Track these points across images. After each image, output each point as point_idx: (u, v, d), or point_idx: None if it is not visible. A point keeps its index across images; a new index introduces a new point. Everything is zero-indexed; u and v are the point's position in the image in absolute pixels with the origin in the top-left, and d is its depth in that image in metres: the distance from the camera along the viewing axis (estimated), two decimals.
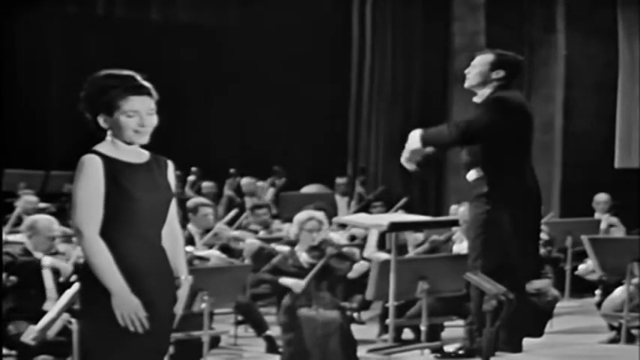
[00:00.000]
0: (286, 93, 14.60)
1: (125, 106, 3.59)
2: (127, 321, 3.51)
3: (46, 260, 6.57)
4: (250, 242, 8.11)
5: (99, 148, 3.63)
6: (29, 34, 13.94)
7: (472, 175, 5.28)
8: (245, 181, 12.53)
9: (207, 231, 8.03)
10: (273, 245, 7.84)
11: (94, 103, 3.62)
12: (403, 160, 5.28)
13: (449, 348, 5.57)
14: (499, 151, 5.13)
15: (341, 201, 12.80)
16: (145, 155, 3.71)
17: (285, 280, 6.97)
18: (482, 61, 5.31)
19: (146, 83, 3.65)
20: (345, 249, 7.51)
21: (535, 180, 5.33)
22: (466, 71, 5.36)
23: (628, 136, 12.78)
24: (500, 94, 5.23)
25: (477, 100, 5.34)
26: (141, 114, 3.61)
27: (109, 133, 3.64)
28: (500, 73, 5.27)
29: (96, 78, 3.65)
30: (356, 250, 7.95)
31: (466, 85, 5.37)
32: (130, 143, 3.64)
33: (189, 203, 8.24)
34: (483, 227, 5.16)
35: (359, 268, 7.20)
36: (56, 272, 6.62)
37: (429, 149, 5.28)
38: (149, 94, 3.64)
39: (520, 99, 5.38)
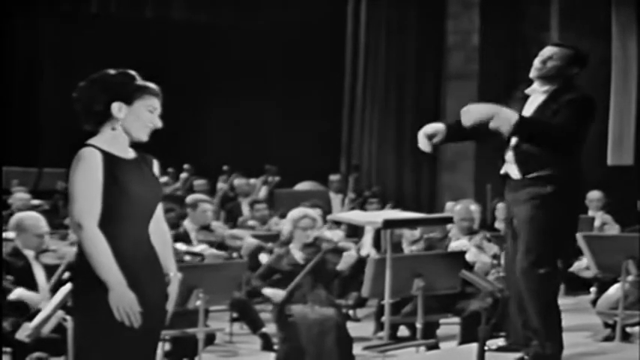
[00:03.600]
0: (280, 91, 14.59)
1: (148, 100, 3.65)
2: (122, 315, 3.49)
3: (14, 294, 6.25)
4: (249, 241, 8.09)
5: (94, 141, 3.62)
6: (23, 33, 13.90)
7: (517, 172, 4.88)
8: (238, 182, 12.50)
9: (204, 227, 8.00)
10: (270, 245, 7.82)
11: (114, 88, 3.61)
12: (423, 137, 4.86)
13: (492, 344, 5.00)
14: (570, 151, 4.93)
15: (335, 198, 12.78)
16: (132, 152, 3.72)
17: (266, 291, 6.95)
18: (560, 54, 5.00)
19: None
20: (339, 245, 7.51)
21: None
22: (536, 61, 4.99)
23: (620, 134, 12.81)
24: (587, 94, 4.97)
25: (535, 93, 5.00)
26: (155, 114, 3.68)
27: (115, 124, 3.62)
28: (575, 70, 5.03)
29: (120, 70, 3.69)
30: (351, 247, 7.95)
31: (533, 74, 5.00)
32: (131, 137, 3.65)
33: (189, 199, 8.21)
34: (552, 226, 4.80)
35: (347, 259, 7.15)
36: (49, 269, 6.57)
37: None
38: (160, 98, 3.72)
39: None
